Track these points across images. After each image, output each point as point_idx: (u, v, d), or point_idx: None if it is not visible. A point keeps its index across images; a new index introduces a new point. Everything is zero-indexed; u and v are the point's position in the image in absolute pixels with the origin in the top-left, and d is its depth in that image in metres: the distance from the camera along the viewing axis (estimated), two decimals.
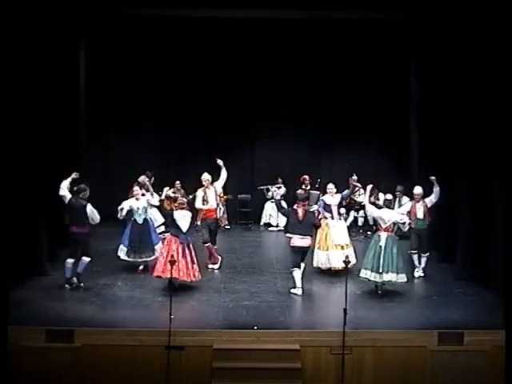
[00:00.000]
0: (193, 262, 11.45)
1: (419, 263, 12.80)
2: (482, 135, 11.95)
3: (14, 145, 10.94)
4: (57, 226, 13.15)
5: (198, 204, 12.97)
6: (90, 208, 11.40)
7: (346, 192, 13.27)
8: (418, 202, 12.73)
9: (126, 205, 12.59)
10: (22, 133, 11.48)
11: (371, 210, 11.79)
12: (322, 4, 13.23)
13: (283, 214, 12.26)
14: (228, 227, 17.31)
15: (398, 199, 16.09)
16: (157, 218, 16.38)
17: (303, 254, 11.64)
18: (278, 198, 15.36)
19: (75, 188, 11.60)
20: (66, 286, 11.50)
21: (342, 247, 12.67)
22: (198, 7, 13.49)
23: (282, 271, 12.88)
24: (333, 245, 12.67)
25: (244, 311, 10.60)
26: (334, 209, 12.94)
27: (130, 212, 12.71)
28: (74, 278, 11.53)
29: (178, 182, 16.05)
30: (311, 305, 11.34)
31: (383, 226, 11.43)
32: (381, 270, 11.23)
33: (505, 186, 10.76)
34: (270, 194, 17.66)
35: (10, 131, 10.50)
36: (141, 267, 12.62)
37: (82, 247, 11.58)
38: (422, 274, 12.68)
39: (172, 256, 10.80)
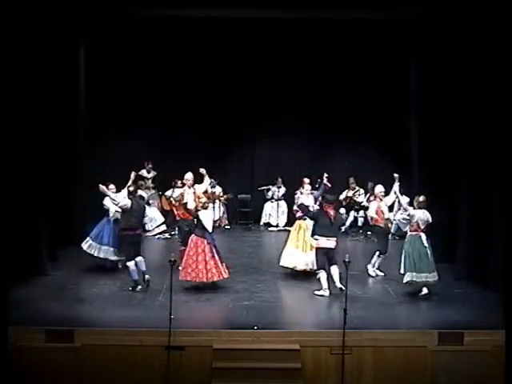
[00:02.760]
0: (221, 261, 11.54)
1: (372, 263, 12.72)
2: (482, 135, 11.95)
3: (15, 145, 10.94)
4: (57, 226, 13.16)
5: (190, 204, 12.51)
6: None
7: (316, 193, 12.62)
8: (382, 201, 12.63)
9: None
10: (22, 133, 11.48)
11: (412, 212, 11.62)
12: (323, 4, 13.24)
13: (311, 217, 11.81)
14: (228, 227, 17.33)
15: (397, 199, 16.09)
16: (156, 217, 16.45)
17: (327, 254, 11.34)
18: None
19: (135, 192, 11.89)
20: (139, 287, 11.43)
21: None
22: (198, 7, 13.49)
23: (281, 271, 12.87)
24: (310, 246, 12.30)
25: (244, 311, 10.60)
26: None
27: (107, 211, 12.59)
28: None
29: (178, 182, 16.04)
30: (311, 305, 11.33)
31: (421, 227, 11.43)
32: (432, 270, 11.31)
33: (505, 186, 10.76)
34: (270, 193, 17.68)
35: (10, 131, 10.51)
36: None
37: (137, 248, 11.65)
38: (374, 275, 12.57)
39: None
